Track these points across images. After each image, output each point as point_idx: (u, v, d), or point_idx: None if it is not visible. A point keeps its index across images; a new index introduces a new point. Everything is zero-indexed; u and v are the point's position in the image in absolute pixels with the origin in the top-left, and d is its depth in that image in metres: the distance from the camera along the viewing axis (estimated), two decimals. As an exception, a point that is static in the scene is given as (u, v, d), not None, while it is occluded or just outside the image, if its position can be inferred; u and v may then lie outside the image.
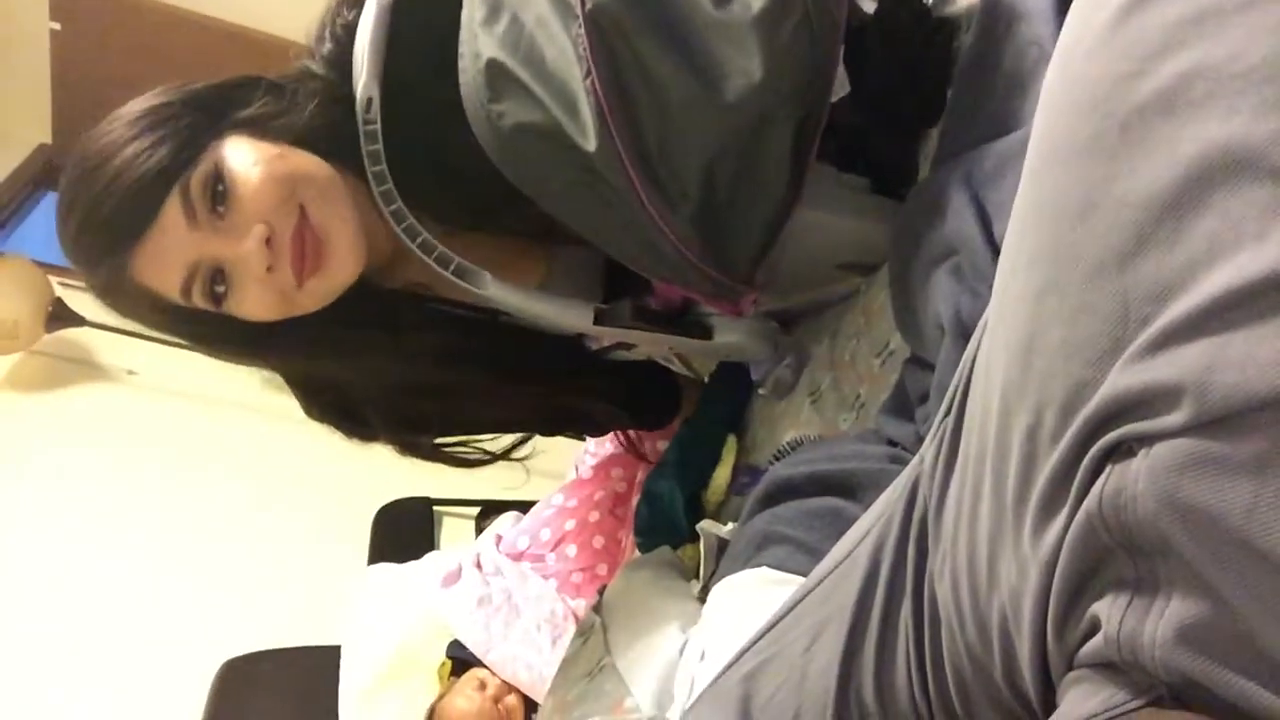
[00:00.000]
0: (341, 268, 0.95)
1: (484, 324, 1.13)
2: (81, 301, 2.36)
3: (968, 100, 0.88)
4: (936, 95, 0.95)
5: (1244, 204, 0.38)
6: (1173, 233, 0.40)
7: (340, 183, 0.95)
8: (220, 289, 0.92)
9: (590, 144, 0.84)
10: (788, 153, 0.89)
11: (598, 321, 1.06)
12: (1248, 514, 0.38)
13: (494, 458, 1.29)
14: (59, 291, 2.33)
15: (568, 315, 1.05)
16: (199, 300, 0.93)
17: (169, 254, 0.90)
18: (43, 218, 2.91)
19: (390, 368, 1.12)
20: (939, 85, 0.95)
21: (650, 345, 1.19)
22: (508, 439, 1.30)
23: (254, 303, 0.93)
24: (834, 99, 0.90)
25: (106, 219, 0.89)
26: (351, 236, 0.94)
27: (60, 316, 2.32)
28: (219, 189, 0.90)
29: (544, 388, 1.25)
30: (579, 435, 1.56)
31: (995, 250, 0.76)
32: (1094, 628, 0.45)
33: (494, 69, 0.86)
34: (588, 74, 0.83)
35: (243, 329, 0.97)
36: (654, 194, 0.87)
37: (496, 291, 1.01)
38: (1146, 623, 0.42)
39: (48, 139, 2.95)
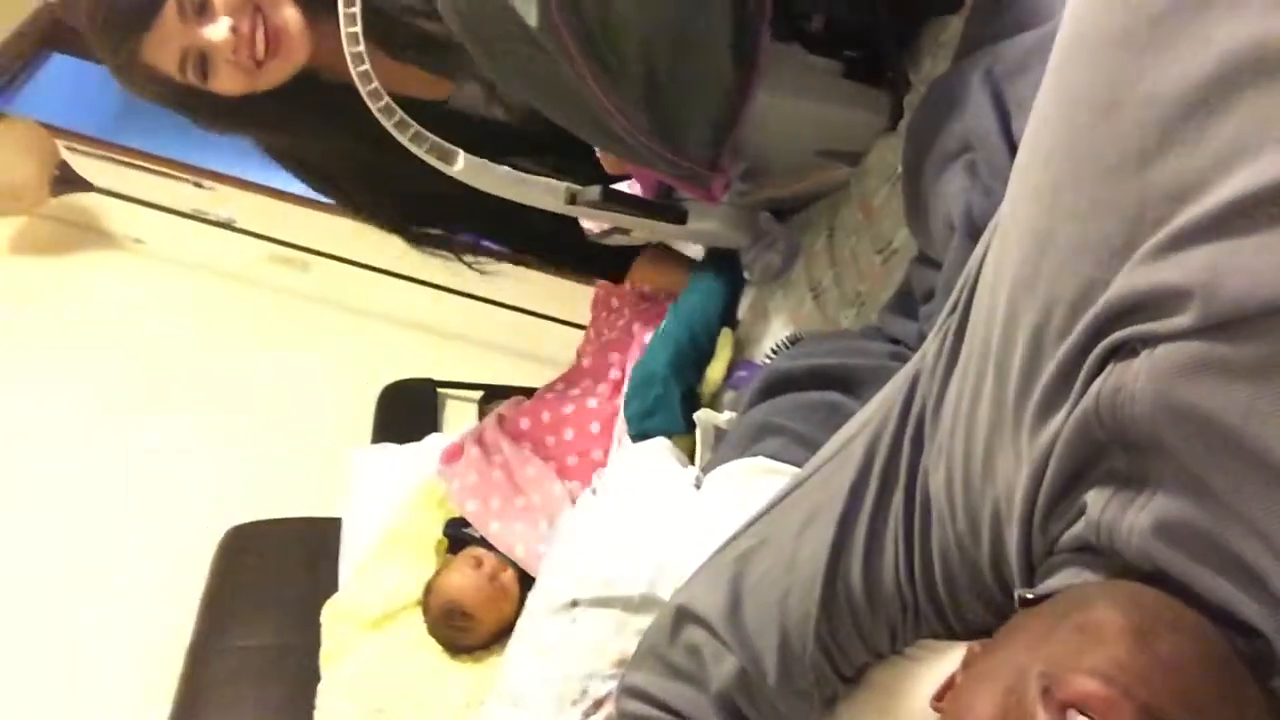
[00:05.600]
0: (294, 53, 1.19)
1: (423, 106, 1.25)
2: (88, 166, 2.33)
3: (995, -8, 0.86)
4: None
5: (1273, 104, 0.37)
6: (1197, 131, 0.39)
7: None
8: (204, 69, 1.18)
9: (533, 20, 0.88)
10: (728, 29, 0.91)
11: (570, 202, 1.12)
12: (1244, 416, 0.38)
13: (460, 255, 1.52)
14: (65, 155, 2.30)
15: (541, 195, 1.13)
16: (191, 77, 1.18)
17: (169, 41, 1.16)
18: (48, 79, 2.85)
19: (344, 144, 1.35)
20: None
21: (644, 231, 1.22)
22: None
23: (226, 79, 1.19)
24: None
25: (125, 12, 1.16)
26: (299, 30, 1.18)
27: (67, 180, 2.29)
28: None
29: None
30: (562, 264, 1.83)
31: (1012, 148, 0.74)
32: (1079, 516, 0.46)
33: None
34: None
35: (226, 104, 1.23)
36: (597, 70, 0.91)
37: (468, 170, 1.08)
38: (1129, 511, 0.43)
39: (52, -2, 2.88)
